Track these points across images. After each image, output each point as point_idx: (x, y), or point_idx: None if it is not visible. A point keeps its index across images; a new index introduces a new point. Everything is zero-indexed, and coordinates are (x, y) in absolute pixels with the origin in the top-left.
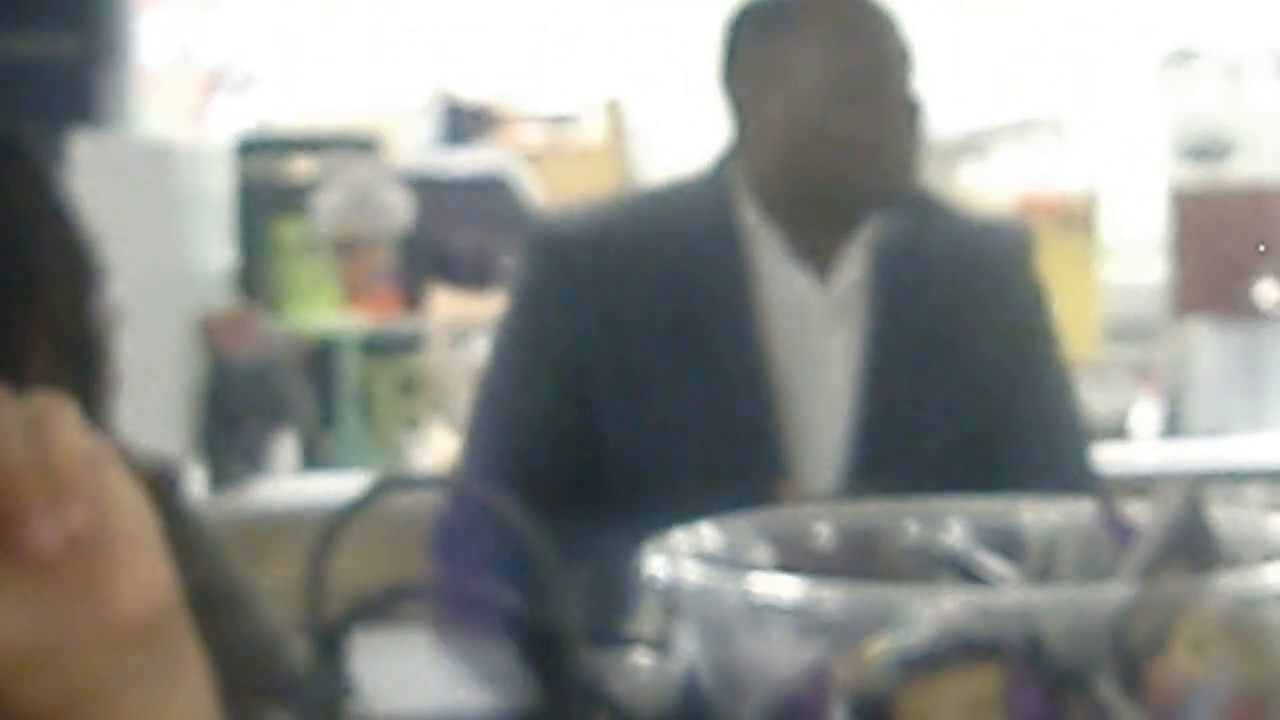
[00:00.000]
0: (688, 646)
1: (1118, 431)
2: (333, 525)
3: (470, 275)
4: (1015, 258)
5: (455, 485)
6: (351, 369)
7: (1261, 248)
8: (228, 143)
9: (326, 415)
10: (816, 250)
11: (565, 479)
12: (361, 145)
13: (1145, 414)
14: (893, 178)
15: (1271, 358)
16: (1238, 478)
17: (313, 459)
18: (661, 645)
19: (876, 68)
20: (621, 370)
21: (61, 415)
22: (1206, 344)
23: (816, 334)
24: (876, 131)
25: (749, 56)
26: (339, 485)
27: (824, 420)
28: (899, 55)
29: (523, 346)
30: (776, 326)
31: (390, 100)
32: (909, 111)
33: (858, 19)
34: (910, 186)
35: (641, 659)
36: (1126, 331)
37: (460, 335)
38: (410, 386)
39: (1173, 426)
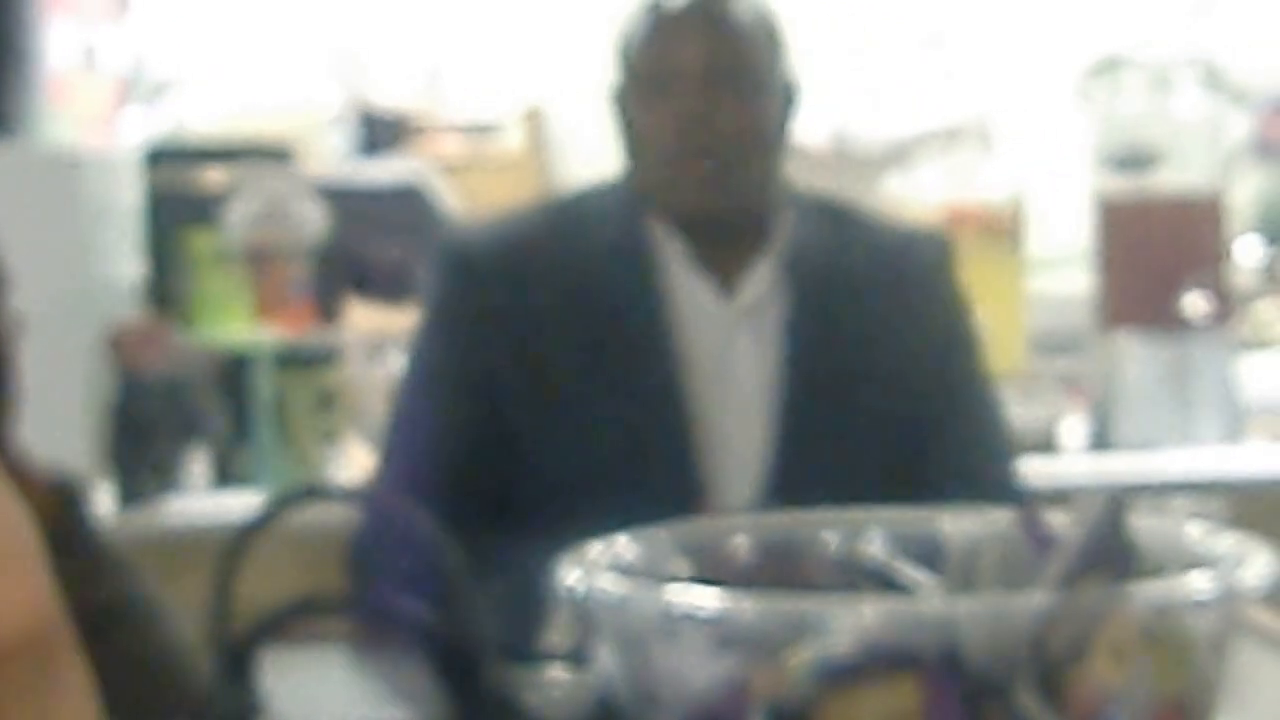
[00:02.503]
0: (604, 659)
1: (1045, 444)
2: (241, 538)
3: (387, 287)
4: (933, 267)
5: (365, 497)
6: (265, 383)
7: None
8: (137, 152)
9: (240, 430)
10: (720, 261)
11: (479, 493)
12: (275, 154)
13: (1072, 427)
14: (718, 195)
15: (1199, 370)
16: (1165, 490)
17: (226, 475)
18: (575, 659)
19: (703, 81)
20: (533, 383)
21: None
22: (1134, 356)
23: (724, 346)
24: (696, 146)
25: (623, 66)
26: (252, 501)
27: (739, 432)
28: (739, 69)
29: (435, 360)
30: (686, 339)
31: (304, 109)
32: (746, 126)
33: (696, 28)
34: (756, 187)
35: (556, 673)
36: (1053, 343)
37: (377, 348)
38: (326, 400)
39: (1100, 439)
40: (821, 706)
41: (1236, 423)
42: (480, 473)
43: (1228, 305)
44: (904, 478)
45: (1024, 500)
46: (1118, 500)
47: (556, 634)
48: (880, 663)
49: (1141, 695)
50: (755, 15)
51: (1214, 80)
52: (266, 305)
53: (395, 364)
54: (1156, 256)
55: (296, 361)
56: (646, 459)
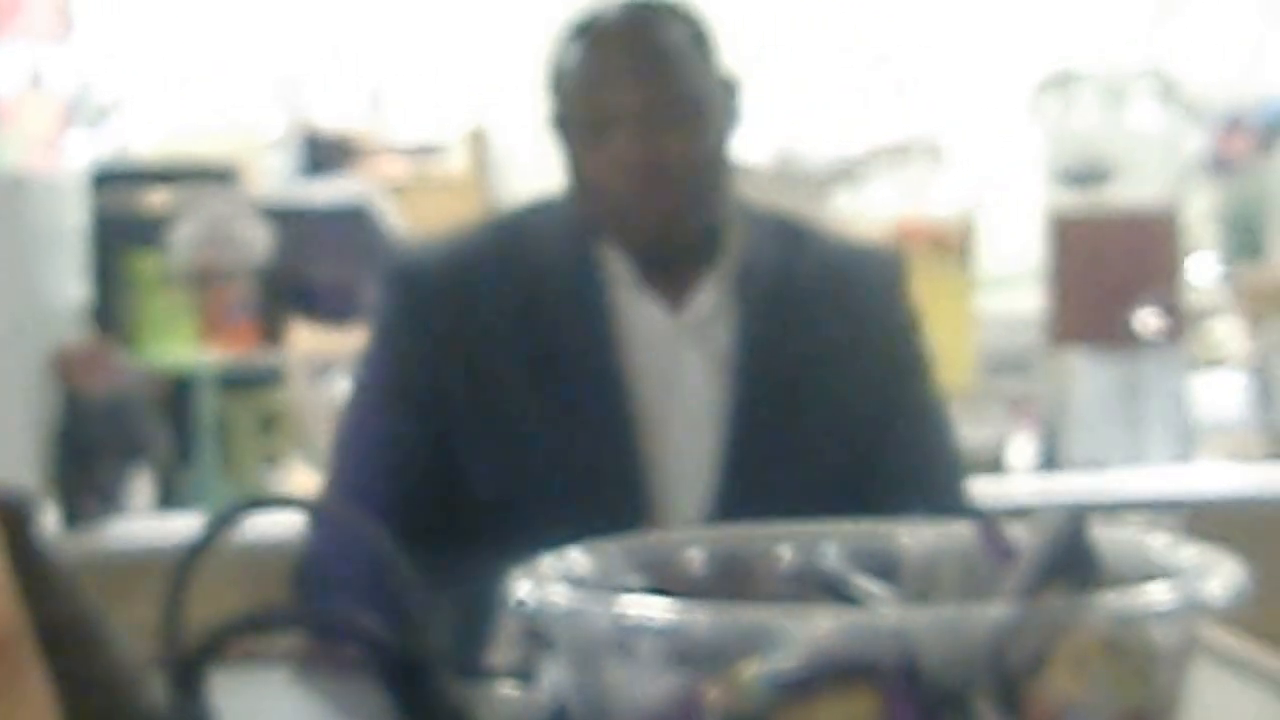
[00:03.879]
0: (556, 673)
1: (994, 464)
2: (191, 551)
3: (331, 308)
4: (885, 284)
5: (316, 510)
6: (209, 405)
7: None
8: (82, 174)
9: (183, 452)
10: (669, 278)
11: (425, 511)
12: (219, 176)
13: (1022, 446)
14: (670, 223)
15: (1150, 388)
16: (1116, 510)
17: (169, 497)
18: (521, 676)
19: (645, 108)
20: (481, 402)
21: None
22: (1084, 374)
23: (672, 362)
24: (644, 174)
25: (557, 85)
26: (196, 524)
27: (688, 449)
28: (682, 94)
29: (382, 379)
30: (634, 355)
31: (247, 131)
32: (693, 152)
33: (632, 52)
34: (707, 211)
35: (507, 688)
36: (1003, 362)
37: (320, 370)
38: (268, 422)
39: (1050, 459)
40: (777, 716)
41: (1188, 441)
42: (427, 491)
43: (1180, 322)
44: (852, 495)
45: (975, 518)
46: (1079, 512)
47: (502, 651)
48: (835, 674)
49: (1101, 706)
50: (684, 26)
51: (1168, 94)
52: (210, 327)
53: (339, 386)
54: (1109, 273)
55: (239, 383)
56: (593, 476)
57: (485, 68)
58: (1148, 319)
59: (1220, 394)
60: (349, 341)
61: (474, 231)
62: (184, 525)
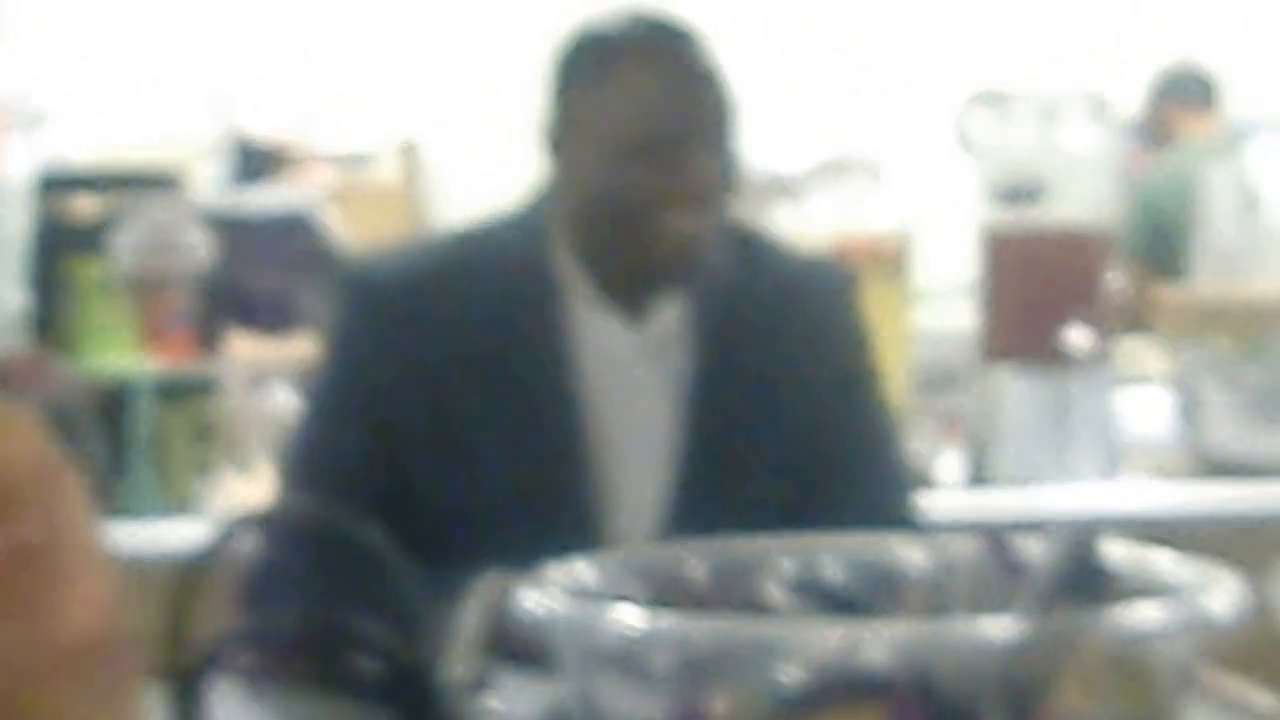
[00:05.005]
0: (560, 684)
1: (922, 479)
2: (195, 568)
3: (270, 318)
4: (837, 298)
5: (317, 519)
6: (144, 413)
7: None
8: (21, 181)
9: (118, 461)
10: (628, 295)
11: (380, 525)
12: (161, 183)
13: (950, 463)
14: (677, 254)
15: (1079, 406)
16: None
17: (103, 505)
18: (479, 687)
19: (676, 136)
20: (435, 417)
21: (14, 422)
22: (1014, 391)
23: (631, 380)
24: (662, 205)
25: (565, 103)
26: (129, 533)
27: (642, 465)
28: (711, 116)
29: (335, 392)
30: (590, 373)
31: (180, 140)
32: (712, 184)
33: (671, 74)
34: (697, 262)
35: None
36: (934, 378)
37: (258, 379)
38: (203, 432)
39: (978, 475)
40: None
41: (1114, 459)
42: (379, 505)
43: (1109, 341)
44: (802, 510)
45: (923, 531)
46: (1089, 528)
47: (459, 662)
48: (844, 689)
49: None
50: (703, 45)
51: (1101, 113)
52: (150, 335)
53: (277, 396)
54: (1040, 290)
55: (176, 392)
56: (545, 493)
57: (418, 78)
58: (1077, 337)
59: (1143, 411)
60: (288, 351)
61: (431, 245)
62: (116, 535)
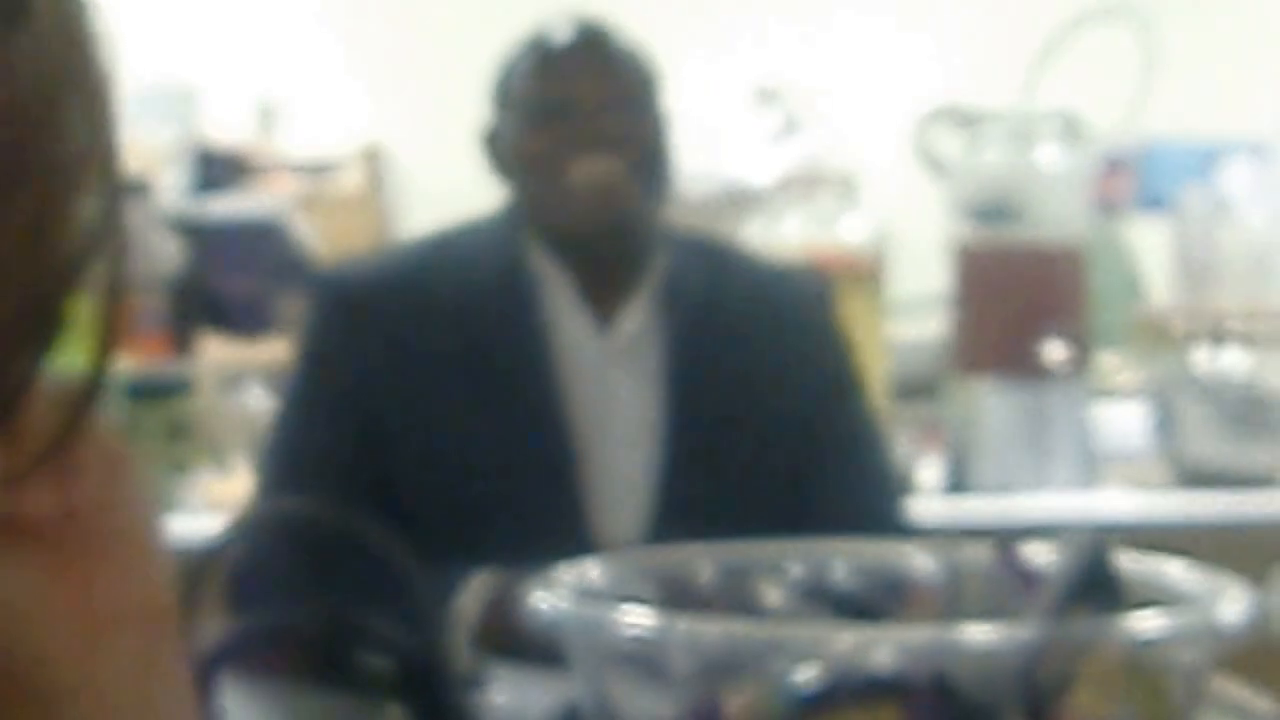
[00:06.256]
0: (567, 680)
1: (905, 486)
2: (204, 564)
3: (242, 321)
4: (812, 305)
5: (321, 517)
6: (116, 413)
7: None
8: None
9: None
10: (599, 296)
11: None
12: (130, 188)
13: (930, 470)
14: (600, 192)
15: (1055, 416)
16: (1020, 534)
17: None
18: (468, 684)
19: (588, 90)
20: (413, 421)
21: (92, 395)
22: (991, 402)
23: (604, 380)
24: (578, 147)
25: (502, 90)
26: None
27: (623, 467)
28: (622, 80)
29: (312, 396)
30: (566, 373)
31: (138, 145)
32: (625, 130)
33: (581, 47)
34: (627, 221)
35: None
36: (912, 388)
37: (230, 380)
38: (176, 431)
39: (958, 483)
40: None
41: (1091, 469)
42: (357, 506)
43: (1085, 354)
44: (787, 513)
45: (910, 535)
46: (1102, 536)
47: (455, 660)
48: (860, 690)
49: None
50: (634, 52)
51: (1073, 132)
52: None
53: (250, 395)
54: (1015, 305)
55: (148, 392)
56: (528, 494)
57: (380, 84)
58: (1053, 350)
59: (1117, 423)
60: (260, 353)
61: (405, 249)
62: None
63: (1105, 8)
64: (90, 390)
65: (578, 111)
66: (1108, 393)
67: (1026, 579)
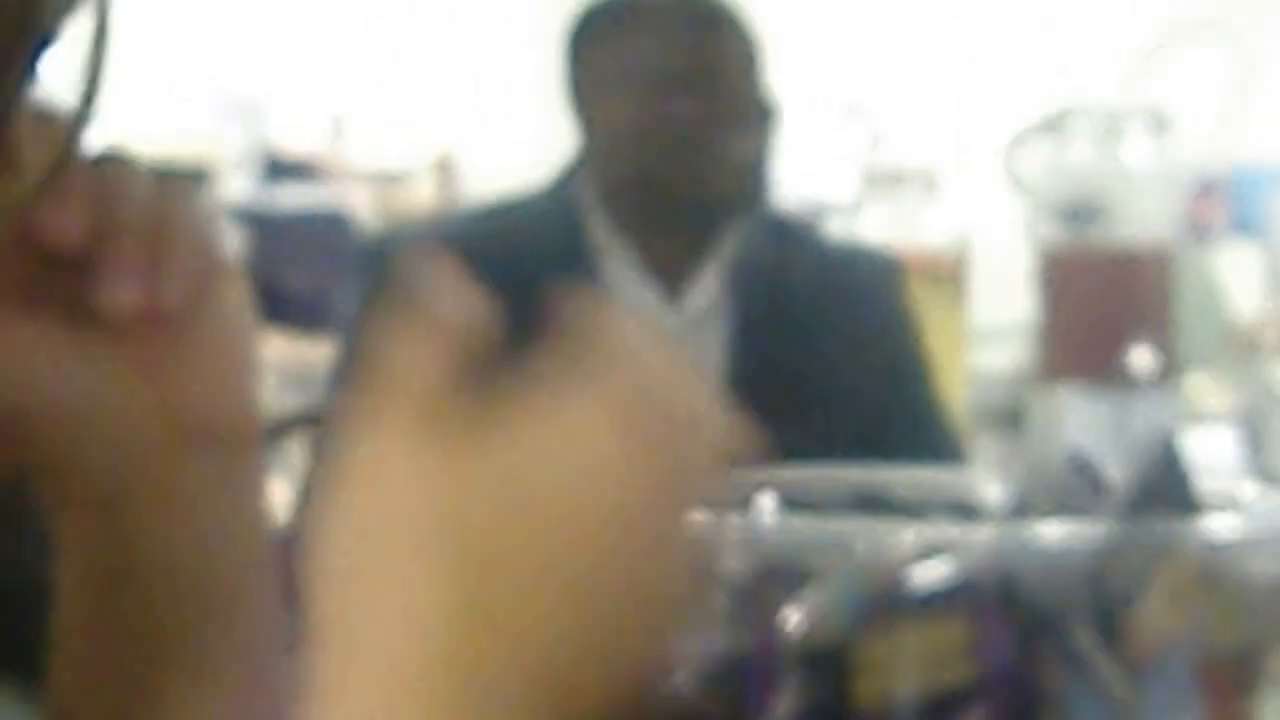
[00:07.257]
0: None
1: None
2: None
3: (305, 316)
4: (883, 285)
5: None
6: None
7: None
8: None
9: None
10: (668, 268)
11: None
12: (192, 177)
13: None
14: (735, 179)
15: (1141, 424)
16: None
17: None
18: None
19: (712, 64)
20: None
21: (84, 121)
22: (1074, 411)
23: None
24: (713, 128)
25: (589, 62)
26: None
27: None
28: (741, 54)
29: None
30: None
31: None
32: (756, 111)
33: (693, 16)
34: (758, 191)
35: None
36: (994, 395)
37: (292, 379)
38: None
39: None
40: (861, 643)
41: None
42: None
43: (1173, 362)
44: None
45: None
46: (1173, 442)
47: None
48: (924, 597)
49: (1198, 643)
50: (735, 15)
51: (1163, 129)
52: None
53: (310, 395)
54: (1101, 309)
55: None
56: None
57: (453, 94)
58: (1141, 356)
59: (1208, 445)
60: (323, 351)
61: (456, 216)
62: None
63: (1198, 24)
64: (82, 116)
65: (720, 80)
66: (1198, 416)
67: (1099, 491)
